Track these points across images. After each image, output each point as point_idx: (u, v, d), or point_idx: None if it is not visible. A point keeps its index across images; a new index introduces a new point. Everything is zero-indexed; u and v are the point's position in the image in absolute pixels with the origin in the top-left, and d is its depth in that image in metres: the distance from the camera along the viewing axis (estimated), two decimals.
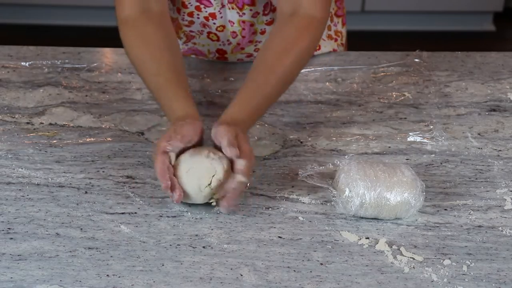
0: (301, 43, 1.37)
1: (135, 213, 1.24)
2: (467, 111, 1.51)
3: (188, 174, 1.21)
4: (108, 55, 1.68)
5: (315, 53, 1.66)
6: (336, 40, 1.71)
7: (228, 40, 1.60)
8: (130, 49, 1.39)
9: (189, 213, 1.24)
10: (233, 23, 1.56)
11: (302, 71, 1.61)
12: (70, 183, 1.30)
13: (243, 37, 1.58)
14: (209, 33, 1.59)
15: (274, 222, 1.23)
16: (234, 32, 1.58)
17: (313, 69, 1.63)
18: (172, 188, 1.20)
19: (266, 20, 1.57)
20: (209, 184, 1.21)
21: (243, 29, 1.57)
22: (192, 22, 1.58)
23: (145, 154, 1.37)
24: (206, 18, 1.56)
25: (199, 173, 1.21)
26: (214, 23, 1.57)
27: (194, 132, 1.25)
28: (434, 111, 1.51)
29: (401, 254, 1.17)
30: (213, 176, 1.21)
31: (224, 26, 1.57)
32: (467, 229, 1.22)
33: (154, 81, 1.34)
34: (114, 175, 1.32)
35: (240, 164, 1.21)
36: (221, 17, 1.56)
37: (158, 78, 1.33)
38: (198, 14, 1.56)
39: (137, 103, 1.51)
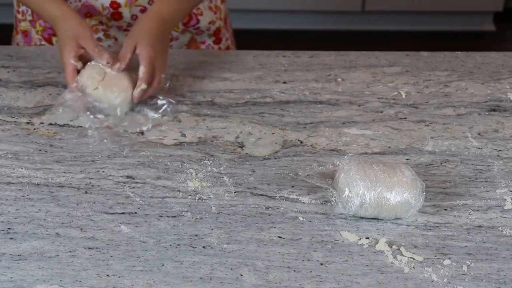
0: None
1: (135, 213, 1.24)
2: (467, 111, 1.51)
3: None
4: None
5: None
6: (216, 13, 1.77)
7: None
8: None
9: (189, 213, 1.24)
10: None
11: (302, 72, 1.62)
12: (70, 183, 1.30)
13: None
14: None
15: (274, 222, 1.23)
16: None
17: (313, 69, 1.63)
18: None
19: None
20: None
21: None
22: None
23: (145, 154, 1.37)
24: None
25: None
26: None
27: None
28: (434, 111, 1.51)
29: (401, 254, 1.17)
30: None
31: None
32: (467, 229, 1.22)
33: None
34: (114, 175, 1.32)
35: (141, 71, 1.41)
36: None
37: None
38: None
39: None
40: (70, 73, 1.42)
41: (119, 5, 1.62)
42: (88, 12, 1.64)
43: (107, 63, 1.43)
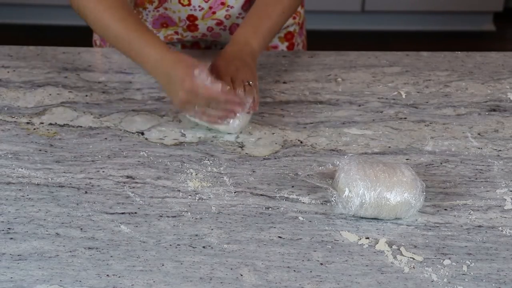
0: None
1: (135, 213, 1.24)
2: (467, 111, 1.51)
3: None
4: (108, 55, 1.68)
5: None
6: (294, 18, 1.74)
7: (199, 6, 1.60)
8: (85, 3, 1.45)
9: (189, 213, 1.24)
10: None
11: (302, 72, 1.62)
12: (70, 183, 1.30)
13: None
14: None
15: (274, 222, 1.23)
16: None
17: (313, 69, 1.63)
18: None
19: None
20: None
21: None
22: None
23: (145, 154, 1.37)
24: None
25: None
26: None
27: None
28: (434, 111, 1.51)
29: (401, 254, 1.17)
30: None
31: None
32: (467, 229, 1.22)
33: (119, 27, 1.42)
34: (114, 175, 1.32)
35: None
36: None
37: (123, 23, 1.41)
38: None
39: (137, 103, 1.51)
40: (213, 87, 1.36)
41: (196, 18, 1.62)
42: (164, 23, 1.65)
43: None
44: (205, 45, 1.70)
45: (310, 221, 1.23)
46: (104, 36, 1.49)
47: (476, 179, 1.33)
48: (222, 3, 1.60)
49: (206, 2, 1.59)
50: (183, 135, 1.42)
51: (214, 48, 1.71)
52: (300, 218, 1.24)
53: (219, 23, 1.63)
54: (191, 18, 1.63)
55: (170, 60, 1.37)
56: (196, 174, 1.32)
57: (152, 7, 1.63)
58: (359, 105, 1.52)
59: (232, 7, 1.61)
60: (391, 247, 1.18)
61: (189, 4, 1.60)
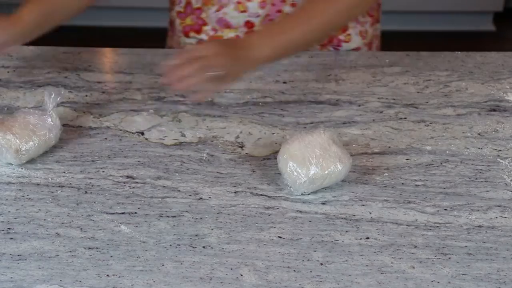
0: None
1: (135, 213, 1.24)
2: (467, 111, 1.51)
3: None
4: (108, 55, 1.68)
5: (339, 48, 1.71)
6: (364, 38, 1.71)
7: (256, 13, 1.60)
8: None
9: (189, 213, 1.24)
10: None
11: (302, 72, 1.62)
12: (70, 183, 1.30)
13: (273, 5, 1.59)
14: (237, 3, 1.59)
15: (274, 222, 1.23)
16: (263, 1, 1.59)
17: (313, 69, 1.63)
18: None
19: None
20: None
21: None
22: None
23: (145, 154, 1.37)
24: None
25: None
26: None
27: None
28: (434, 111, 1.51)
29: (401, 254, 1.17)
30: None
31: None
32: (467, 229, 1.22)
33: None
34: (114, 175, 1.32)
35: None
36: None
37: None
38: None
39: (137, 103, 1.51)
40: None
41: (253, 25, 1.62)
42: (226, 24, 1.64)
43: None
44: None
45: (310, 221, 1.23)
46: None
47: (476, 179, 1.33)
48: (279, 11, 1.60)
49: (263, 9, 1.59)
50: (183, 135, 1.42)
51: None
52: (300, 218, 1.24)
53: None
54: (249, 25, 1.62)
55: None
56: (196, 174, 1.32)
57: (214, 9, 1.63)
58: (359, 105, 1.52)
59: None
60: (391, 247, 1.18)
61: (245, 11, 1.60)
